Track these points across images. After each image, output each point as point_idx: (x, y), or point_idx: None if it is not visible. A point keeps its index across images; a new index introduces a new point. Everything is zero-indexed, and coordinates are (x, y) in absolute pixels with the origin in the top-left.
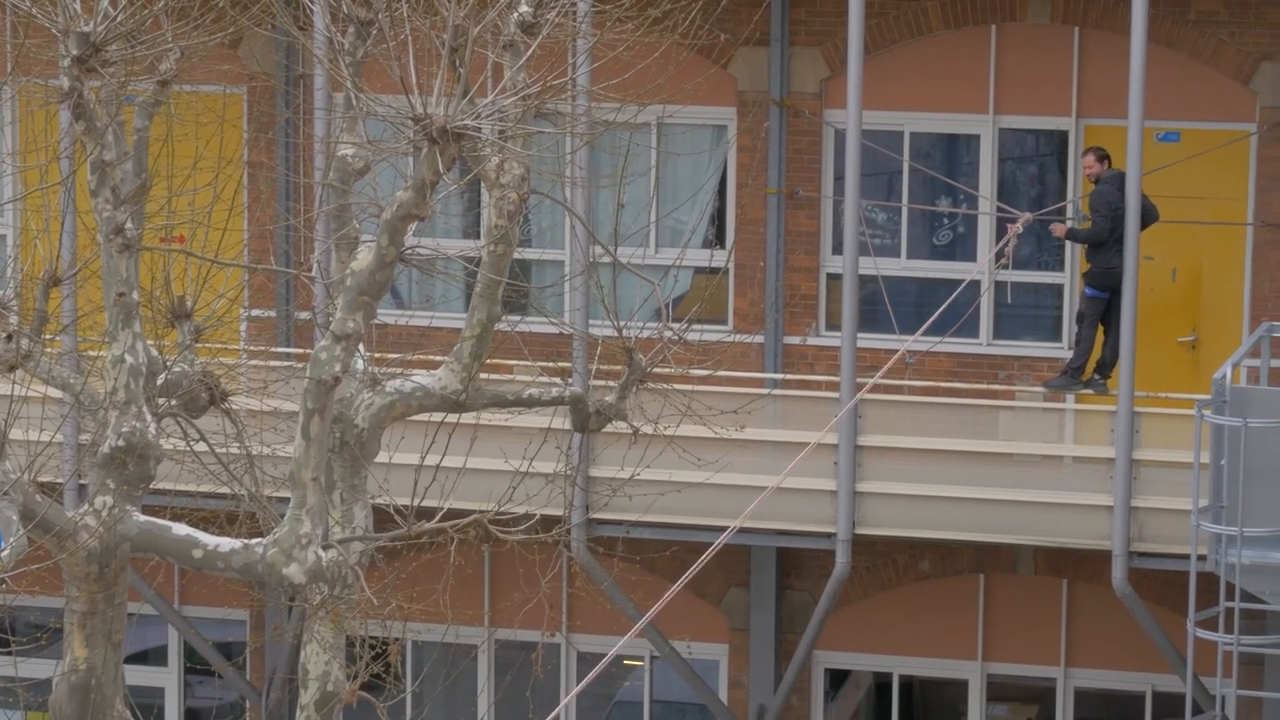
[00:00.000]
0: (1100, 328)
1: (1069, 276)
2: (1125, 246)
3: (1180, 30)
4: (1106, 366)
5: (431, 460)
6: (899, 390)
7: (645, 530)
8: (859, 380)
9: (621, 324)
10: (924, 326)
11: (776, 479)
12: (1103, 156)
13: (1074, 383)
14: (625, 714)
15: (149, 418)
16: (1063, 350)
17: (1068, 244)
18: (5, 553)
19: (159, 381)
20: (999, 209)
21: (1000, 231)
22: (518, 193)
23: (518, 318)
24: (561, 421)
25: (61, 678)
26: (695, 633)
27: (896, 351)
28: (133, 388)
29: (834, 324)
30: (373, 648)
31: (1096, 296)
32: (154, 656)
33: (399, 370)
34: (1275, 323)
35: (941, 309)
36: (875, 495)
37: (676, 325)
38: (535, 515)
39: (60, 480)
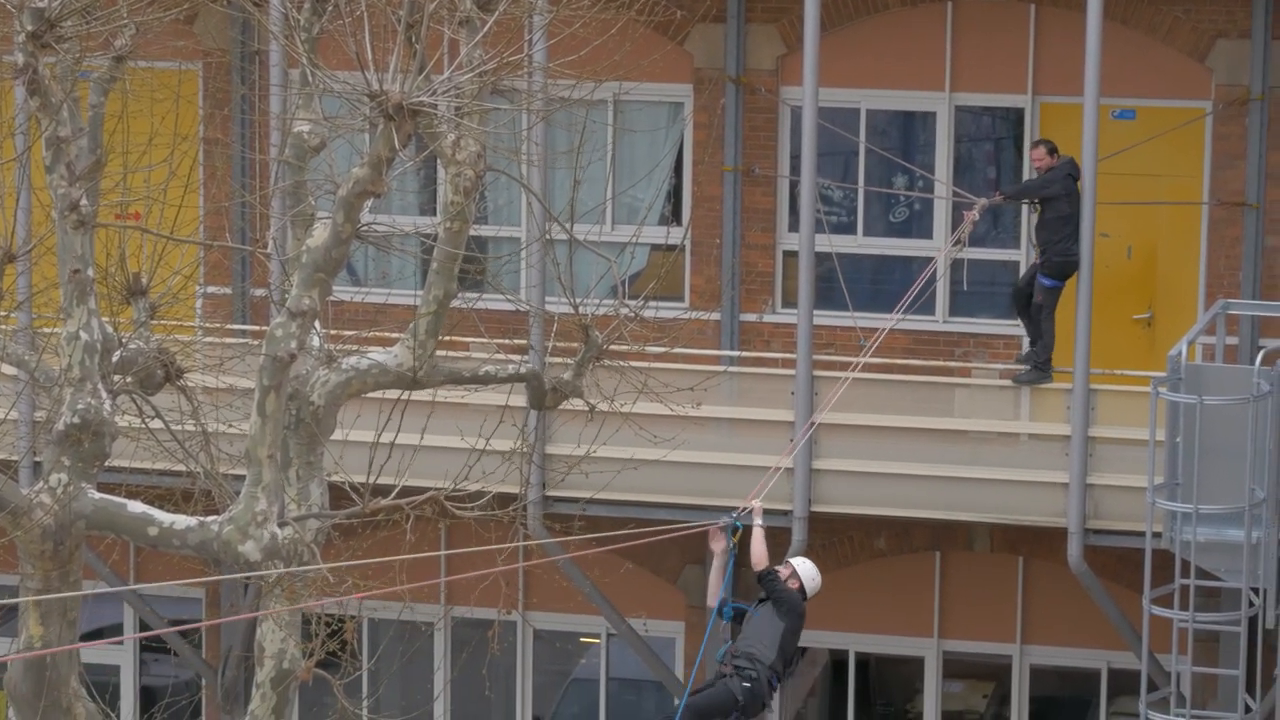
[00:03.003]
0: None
1: (1024, 253)
2: (1081, 229)
3: (1136, 8)
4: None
5: (387, 437)
6: (851, 366)
7: (602, 507)
8: (816, 357)
9: (578, 301)
10: (900, 305)
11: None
12: (1053, 150)
13: (1044, 375)
14: (582, 691)
15: (104, 395)
16: (1019, 328)
17: (1024, 223)
18: None
19: (114, 358)
20: (955, 194)
21: (956, 209)
22: (474, 169)
23: (474, 294)
24: (518, 399)
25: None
26: (652, 610)
27: (852, 329)
28: (88, 365)
29: (790, 301)
30: (328, 625)
31: (1055, 286)
32: (109, 634)
33: (355, 347)
34: (1230, 300)
35: (912, 291)
36: (831, 473)
37: (633, 302)
38: (490, 492)
39: (15, 458)
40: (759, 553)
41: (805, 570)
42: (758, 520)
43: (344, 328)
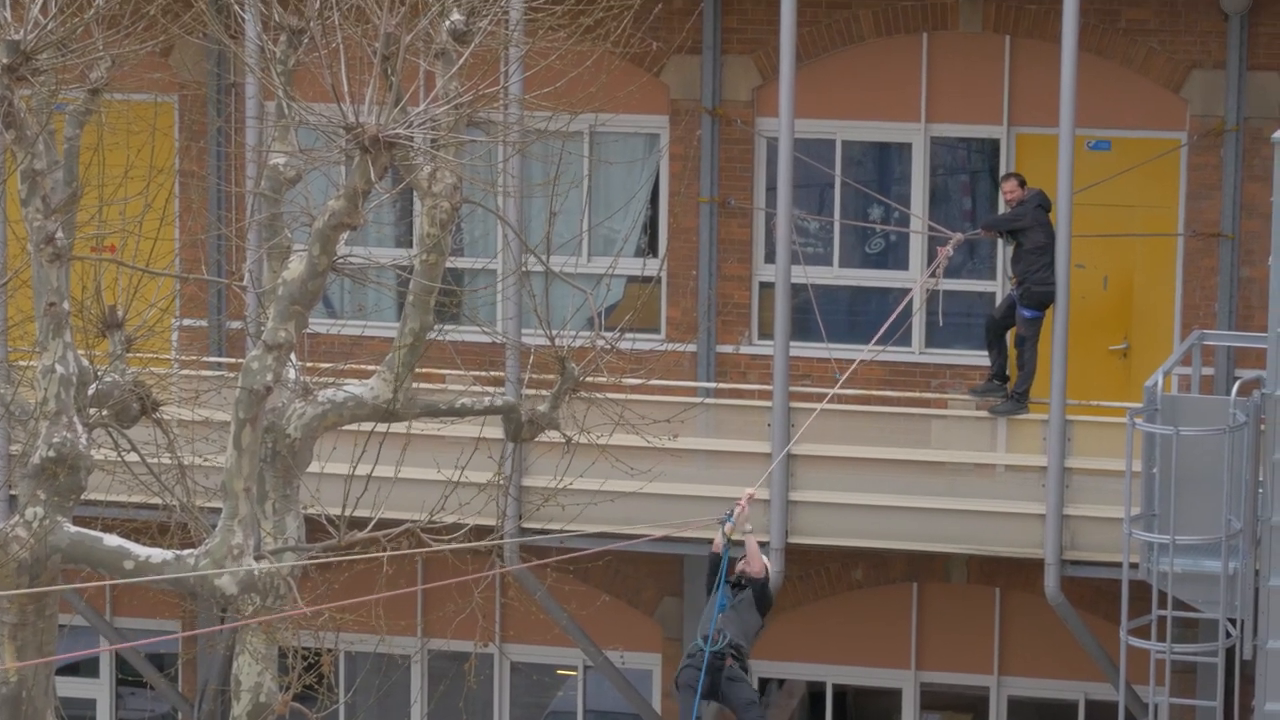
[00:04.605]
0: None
1: (1000, 285)
2: (1056, 259)
3: (1111, 39)
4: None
5: (363, 470)
6: (825, 398)
7: (578, 540)
8: (793, 388)
9: (554, 333)
10: (876, 336)
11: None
12: (1023, 182)
13: (1020, 407)
14: None
15: (80, 428)
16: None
17: (1000, 254)
18: None
19: (90, 391)
20: (930, 228)
21: (932, 241)
22: (450, 201)
23: (450, 327)
24: (494, 430)
25: None
26: (628, 643)
27: (829, 361)
28: (63, 398)
29: (766, 333)
30: (305, 658)
31: (1036, 317)
32: (85, 668)
33: (331, 380)
34: (1206, 331)
35: (888, 322)
36: (808, 504)
37: (609, 334)
38: (467, 525)
39: None
40: (757, 562)
41: (773, 572)
42: (748, 526)
43: (320, 360)
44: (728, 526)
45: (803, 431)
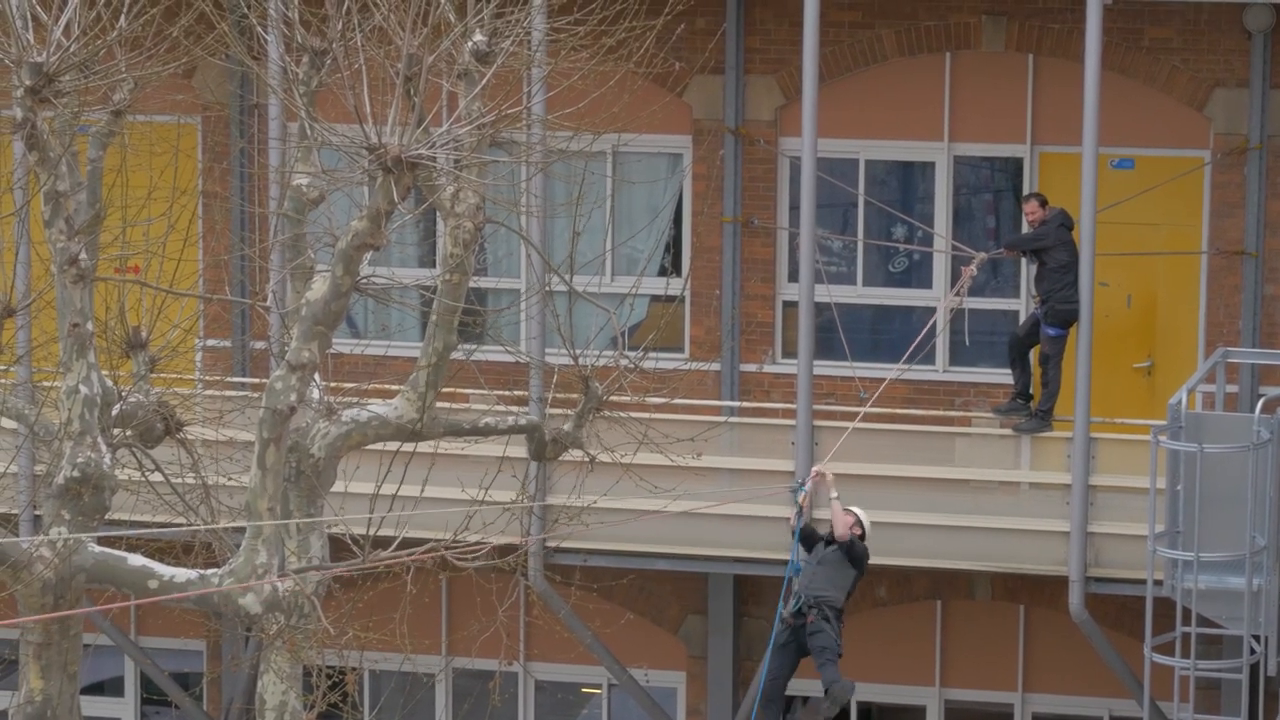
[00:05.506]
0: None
1: (1024, 303)
2: (1080, 278)
3: (1134, 57)
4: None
5: (388, 489)
6: (855, 417)
7: (602, 558)
8: (816, 407)
9: (578, 352)
10: (906, 354)
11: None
12: (1044, 202)
13: (1044, 425)
14: None
15: (104, 448)
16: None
17: (1023, 273)
18: None
19: (114, 412)
20: (954, 247)
21: (955, 259)
22: (473, 221)
23: (474, 346)
24: (518, 449)
25: (17, 709)
26: (653, 661)
27: (853, 379)
28: (87, 418)
29: (790, 351)
30: (330, 677)
31: (1060, 335)
32: (110, 687)
33: (355, 399)
34: (1230, 348)
35: (916, 341)
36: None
37: (632, 353)
38: (490, 543)
39: (15, 511)
40: (839, 526)
41: (865, 520)
42: (833, 493)
43: (344, 380)
44: (801, 496)
45: (832, 452)
